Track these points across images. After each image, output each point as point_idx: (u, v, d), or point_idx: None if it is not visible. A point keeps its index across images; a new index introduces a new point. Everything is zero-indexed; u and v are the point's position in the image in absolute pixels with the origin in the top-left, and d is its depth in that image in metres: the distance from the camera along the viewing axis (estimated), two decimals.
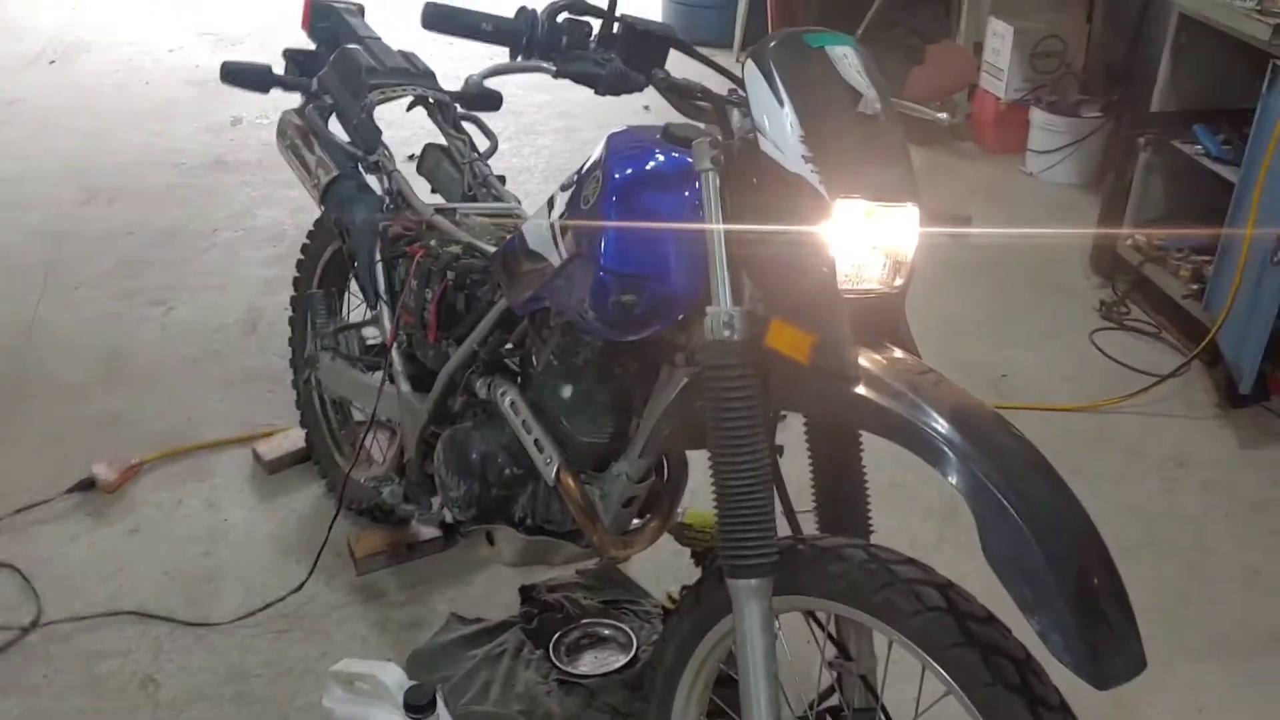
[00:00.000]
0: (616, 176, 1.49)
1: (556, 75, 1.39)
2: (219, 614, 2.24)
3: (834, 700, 1.57)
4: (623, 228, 1.47)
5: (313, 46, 2.42)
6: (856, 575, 1.33)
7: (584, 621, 2.18)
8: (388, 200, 2.11)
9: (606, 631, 2.17)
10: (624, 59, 1.39)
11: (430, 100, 2.23)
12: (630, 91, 1.40)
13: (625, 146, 1.53)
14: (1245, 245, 2.70)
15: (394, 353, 2.04)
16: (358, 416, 2.61)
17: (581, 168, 1.59)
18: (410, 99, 2.24)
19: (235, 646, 2.17)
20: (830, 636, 1.52)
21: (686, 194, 1.46)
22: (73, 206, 4.04)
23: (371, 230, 2.09)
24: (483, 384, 1.86)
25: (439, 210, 2.05)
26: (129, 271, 3.58)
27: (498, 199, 2.14)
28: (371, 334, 2.38)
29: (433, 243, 1.97)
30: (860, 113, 1.32)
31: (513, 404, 1.76)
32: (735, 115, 1.41)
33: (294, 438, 2.71)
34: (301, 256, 2.56)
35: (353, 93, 2.18)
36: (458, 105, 2.26)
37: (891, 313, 1.38)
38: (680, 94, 1.39)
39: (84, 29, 6.10)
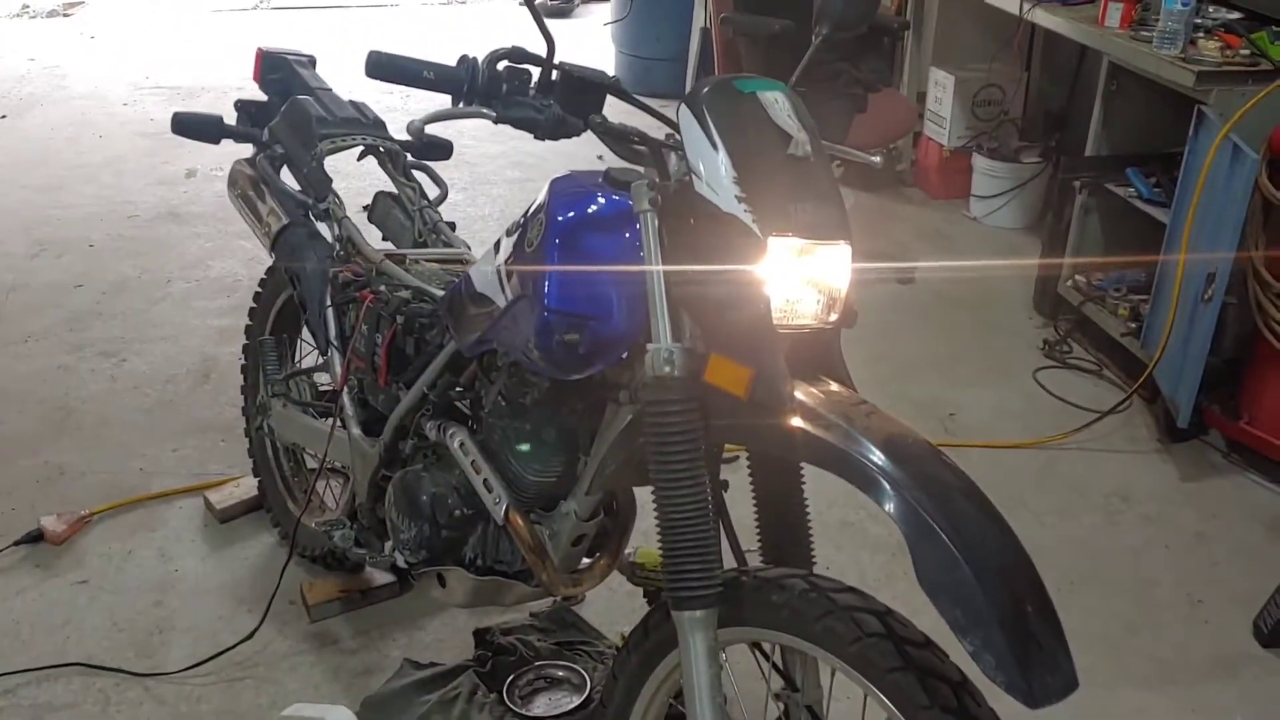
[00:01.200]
0: (559, 219, 1.53)
1: (497, 121, 1.43)
2: (169, 664, 2.22)
3: None
4: (565, 270, 1.51)
5: (264, 98, 2.45)
6: (798, 604, 1.36)
7: (538, 664, 2.19)
8: (337, 247, 2.13)
9: (560, 673, 2.17)
10: (562, 105, 1.43)
11: (381, 149, 2.26)
12: (568, 136, 1.44)
13: (568, 190, 1.57)
14: (1177, 284, 2.78)
15: (345, 397, 2.06)
16: (310, 464, 2.62)
17: (526, 212, 1.63)
18: (361, 148, 2.28)
19: (185, 697, 2.15)
20: (776, 667, 1.55)
21: (627, 235, 1.50)
22: (22, 259, 4.02)
23: (321, 277, 2.12)
24: (432, 426, 1.88)
25: (389, 256, 2.08)
26: (79, 324, 3.56)
27: (447, 245, 2.18)
28: (323, 380, 2.40)
29: (382, 288, 2.00)
30: (791, 154, 1.37)
31: (461, 445, 1.78)
32: (672, 159, 1.46)
33: (246, 486, 2.70)
34: (254, 305, 2.58)
35: (303, 142, 2.22)
36: (408, 154, 2.30)
37: (826, 347, 1.42)
38: (616, 138, 1.43)
39: (38, 82, 6.09)
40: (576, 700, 2.11)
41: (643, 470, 1.62)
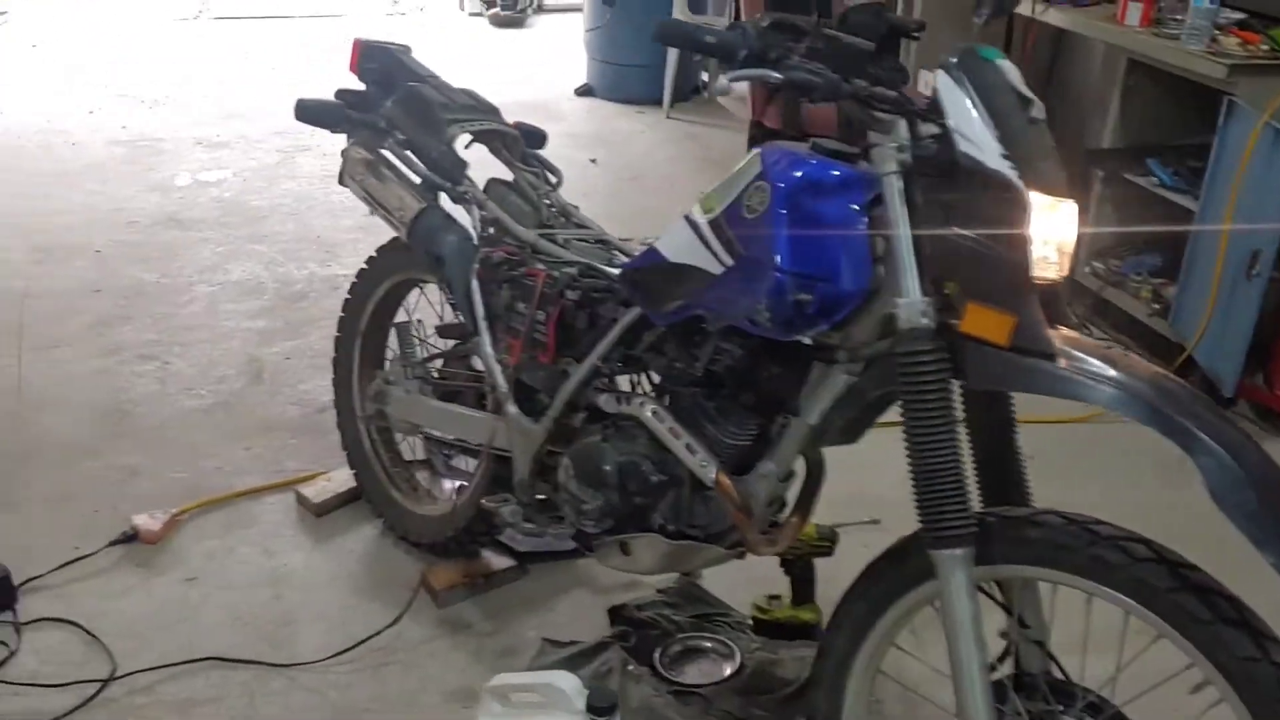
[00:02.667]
0: (782, 185, 1.59)
1: (781, 83, 1.49)
2: (305, 655, 2.19)
3: (1004, 669, 1.66)
4: (796, 232, 1.57)
5: (361, 87, 2.45)
6: (1059, 538, 1.44)
7: (680, 636, 2.23)
8: (480, 229, 2.15)
9: (707, 643, 2.22)
10: (832, 69, 1.50)
11: (503, 135, 2.29)
12: (839, 100, 1.50)
13: (783, 159, 1.64)
14: (1219, 263, 2.97)
15: (499, 374, 2.08)
16: (410, 454, 2.62)
17: (727, 184, 1.69)
18: (471, 135, 2.30)
19: (332, 684, 2.13)
20: (1004, 606, 1.62)
21: (850, 198, 1.57)
22: (27, 265, 3.89)
23: (467, 258, 2.13)
24: (608, 398, 1.92)
25: (541, 234, 2.10)
26: (106, 329, 3.47)
27: (581, 226, 2.21)
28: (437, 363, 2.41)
29: (541, 265, 2.03)
30: (1034, 118, 1.47)
31: (654, 413, 1.82)
32: (901, 125, 1.53)
33: (339, 480, 2.68)
34: (349, 297, 2.56)
35: (428, 128, 2.23)
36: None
37: (1058, 299, 1.52)
38: (874, 103, 1.50)
39: None
40: (729, 668, 2.16)
41: (857, 428, 1.71)
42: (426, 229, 2.16)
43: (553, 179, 2.32)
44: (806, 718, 1.75)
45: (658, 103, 5.98)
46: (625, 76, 6.07)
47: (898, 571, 1.61)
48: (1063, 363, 1.41)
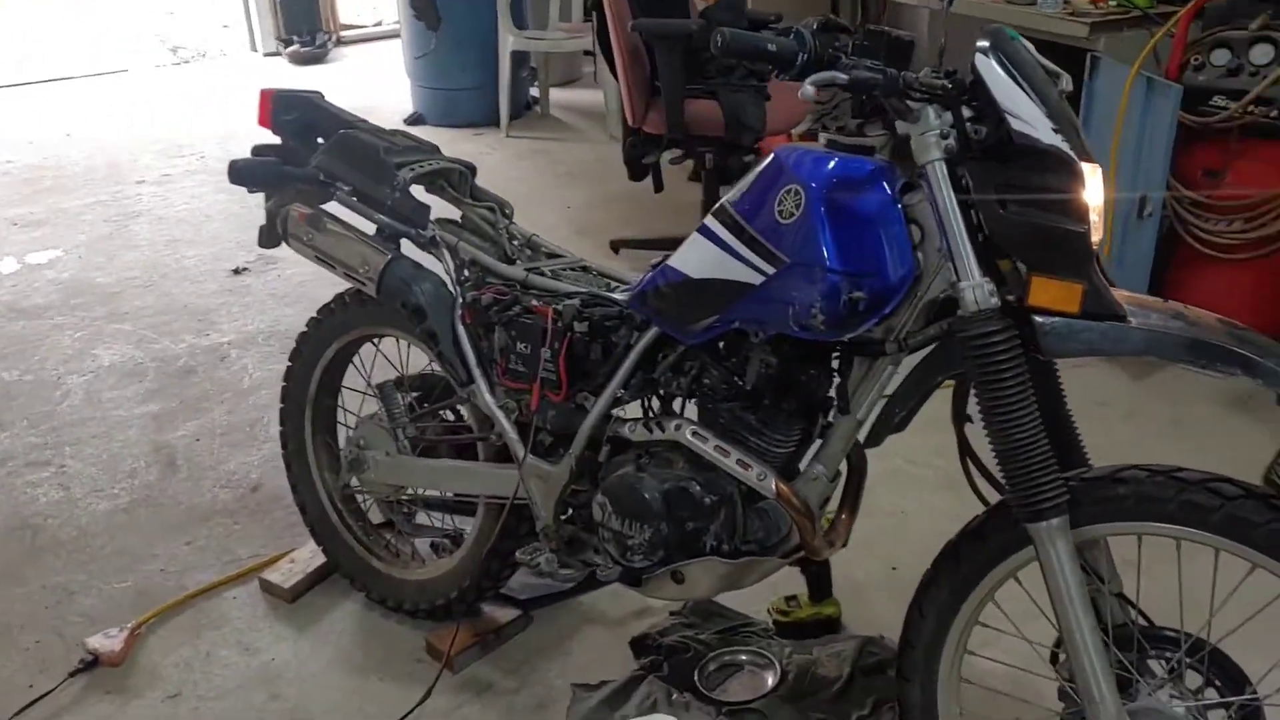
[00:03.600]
0: (814, 185, 1.59)
1: (847, 86, 1.47)
2: None
3: None
4: (839, 231, 1.57)
5: (276, 141, 2.30)
6: (1148, 490, 1.49)
7: (713, 654, 2.19)
8: (458, 273, 2.05)
9: (743, 657, 2.19)
10: (885, 64, 1.49)
11: (445, 174, 2.19)
12: (892, 94, 1.49)
13: (807, 159, 1.63)
14: (1110, 210, 3.14)
15: (506, 422, 1.99)
16: (379, 517, 2.48)
17: (749, 191, 1.67)
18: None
19: None
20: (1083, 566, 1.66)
21: (881, 190, 1.58)
22: None
23: (446, 305, 2.03)
24: (634, 427, 1.86)
25: (529, 270, 2.02)
26: None
27: (554, 255, 2.14)
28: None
29: (534, 301, 1.95)
30: (1062, 90, 1.51)
31: (695, 434, 1.78)
32: (929, 113, 1.54)
33: (303, 559, 2.52)
34: (291, 364, 2.40)
35: (374, 175, 2.12)
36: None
37: (1101, 261, 1.57)
38: (918, 91, 1.50)
39: None
40: (772, 678, 2.13)
41: (904, 419, 1.71)
42: (399, 280, 2.05)
43: (507, 210, 2.24)
44: (900, 714, 1.75)
45: (494, 123, 5.89)
46: (457, 101, 5.95)
47: (980, 551, 1.62)
48: (1134, 322, 1.45)
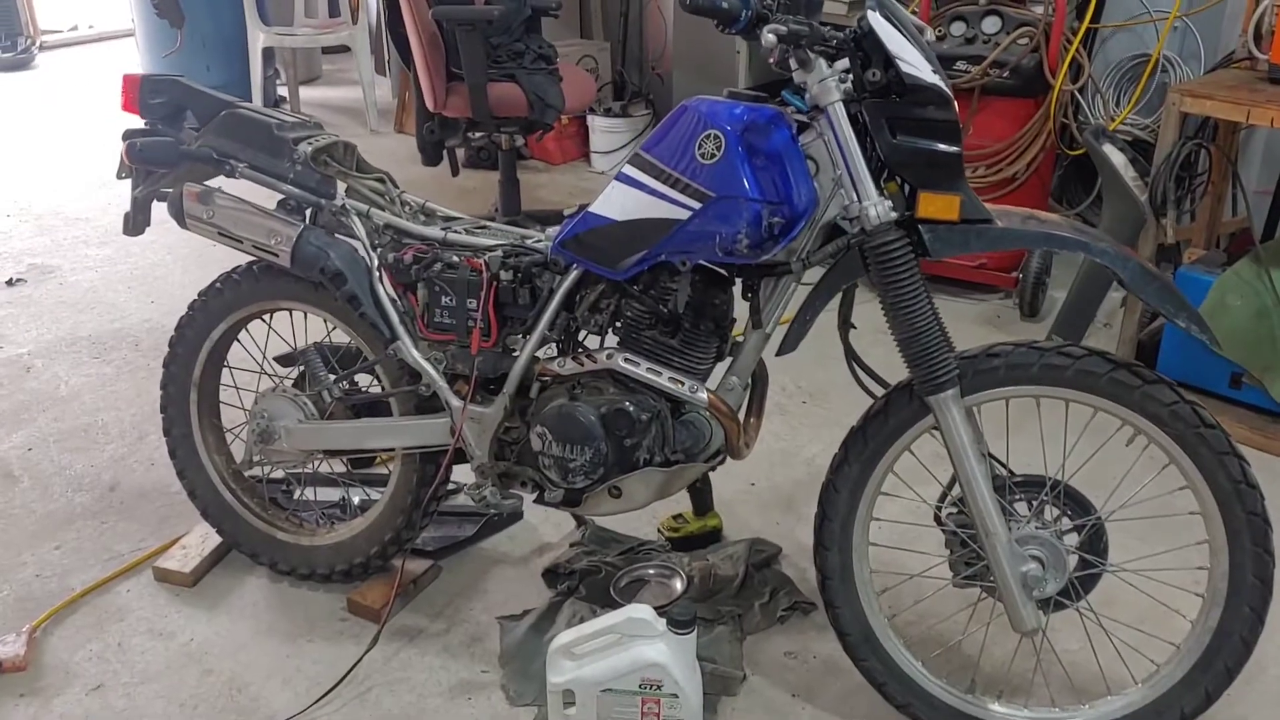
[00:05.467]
0: (731, 129, 1.85)
1: (785, 37, 1.70)
2: (286, 711, 2.10)
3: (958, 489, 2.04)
4: (756, 165, 1.84)
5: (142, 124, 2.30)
6: (1015, 360, 1.85)
7: (621, 571, 2.41)
8: (370, 237, 2.15)
9: (651, 570, 2.42)
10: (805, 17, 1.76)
11: (335, 147, 2.27)
12: (815, 44, 1.75)
13: (717, 108, 1.89)
14: None
15: (435, 372, 2.12)
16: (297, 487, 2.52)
17: (665, 140, 1.91)
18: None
19: None
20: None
21: (783, 131, 1.86)
22: None
23: (363, 267, 2.13)
24: (563, 361, 2.05)
25: (444, 229, 2.16)
26: None
27: (452, 217, 2.28)
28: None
29: (456, 257, 2.10)
30: (929, 39, 1.84)
31: (626, 359, 2.00)
32: (821, 63, 1.83)
33: (195, 542, 2.52)
34: (174, 348, 2.40)
35: (269, 151, 2.19)
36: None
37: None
38: (823, 43, 1.77)
39: None
40: (679, 584, 2.37)
41: (803, 331, 2.00)
42: (313, 249, 2.13)
43: (394, 180, 2.36)
44: (821, 577, 2.04)
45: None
46: None
47: (883, 428, 1.94)
48: (1001, 222, 1.81)
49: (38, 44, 7.41)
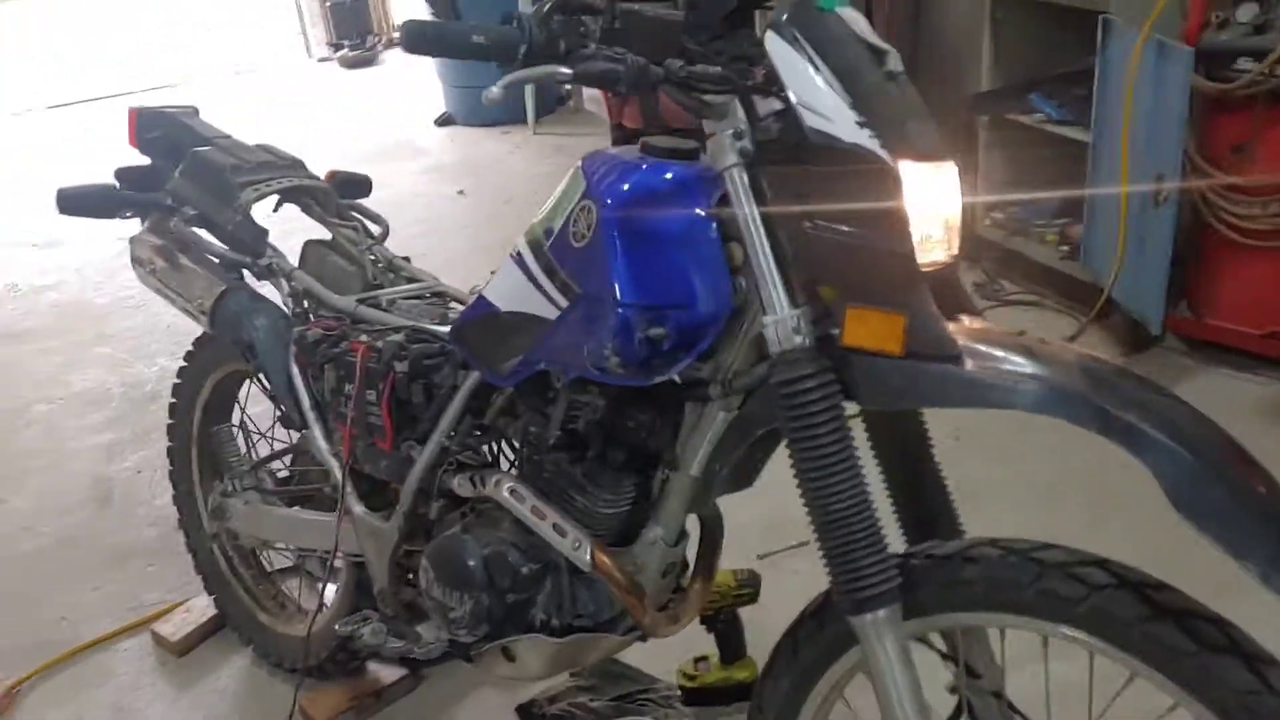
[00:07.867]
0: (610, 201, 1.31)
1: (573, 79, 1.20)
2: None
3: None
4: (634, 256, 1.29)
5: (147, 161, 2.13)
6: (999, 574, 1.17)
7: None
8: (293, 304, 1.84)
9: None
10: (638, 51, 1.21)
11: (307, 191, 1.98)
12: (650, 86, 1.21)
13: (606, 167, 1.36)
14: (1123, 195, 2.75)
15: (339, 472, 1.77)
16: (277, 564, 2.30)
17: (555, 207, 1.41)
18: (278, 196, 1.99)
19: None
20: (949, 657, 1.35)
21: (691, 202, 1.30)
22: None
23: (281, 341, 1.82)
24: (462, 481, 1.62)
25: (360, 300, 1.80)
26: None
27: (412, 279, 1.91)
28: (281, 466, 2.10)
29: (363, 337, 1.72)
30: (889, 70, 1.20)
31: (512, 491, 1.53)
32: (737, 107, 1.25)
33: (199, 609, 2.35)
34: (174, 400, 2.23)
35: (219, 197, 1.93)
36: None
37: (952, 283, 1.25)
38: (697, 83, 1.21)
39: None
40: None
41: (749, 471, 1.42)
42: (231, 314, 1.85)
43: (375, 230, 2.02)
44: None
45: (522, 121, 5.69)
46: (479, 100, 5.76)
47: (817, 639, 1.33)
48: (970, 364, 1.14)
49: (385, 41, 7.85)
